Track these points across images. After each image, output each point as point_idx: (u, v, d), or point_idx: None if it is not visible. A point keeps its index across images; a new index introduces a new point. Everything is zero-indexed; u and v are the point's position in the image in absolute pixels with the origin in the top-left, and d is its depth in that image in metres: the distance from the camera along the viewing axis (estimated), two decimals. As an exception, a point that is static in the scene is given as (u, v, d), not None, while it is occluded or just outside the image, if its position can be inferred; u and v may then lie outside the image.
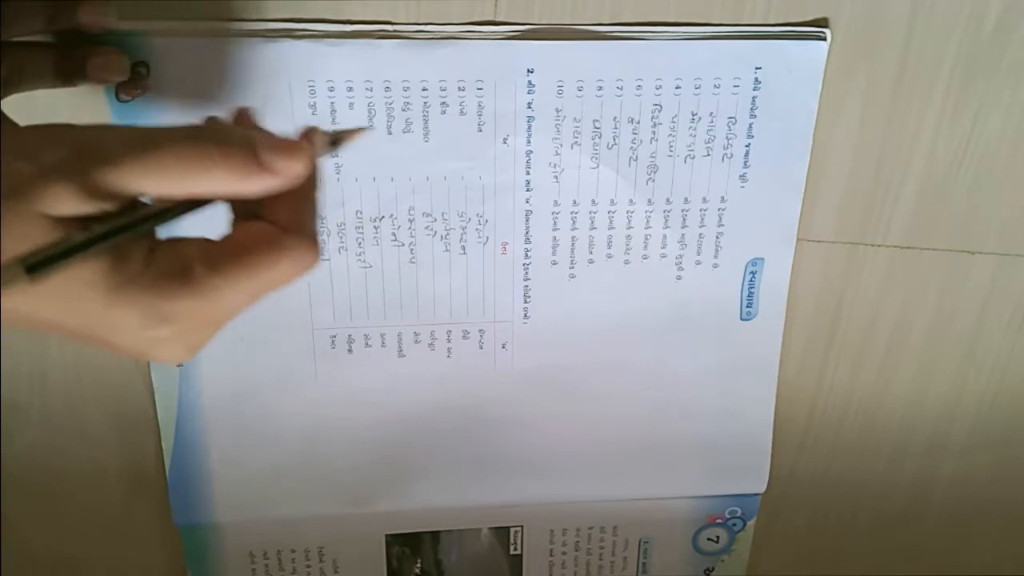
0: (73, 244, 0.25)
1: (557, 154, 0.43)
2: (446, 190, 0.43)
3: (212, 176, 0.26)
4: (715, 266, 0.46)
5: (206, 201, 0.27)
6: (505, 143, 0.42)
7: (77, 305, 0.26)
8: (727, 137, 0.43)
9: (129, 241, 0.26)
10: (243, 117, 0.31)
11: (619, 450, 0.50)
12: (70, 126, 0.26)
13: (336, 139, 0.31)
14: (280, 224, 0.28)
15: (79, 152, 0.25)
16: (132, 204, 0.26)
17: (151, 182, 0.26)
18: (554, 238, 0.45)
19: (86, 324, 0.26)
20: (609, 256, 0.45)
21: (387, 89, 0.41)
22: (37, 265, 0.24)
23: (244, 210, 0.29)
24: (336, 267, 0.44)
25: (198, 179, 0.26)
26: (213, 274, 0.26)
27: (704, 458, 0.51)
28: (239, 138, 0.27)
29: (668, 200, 0.44)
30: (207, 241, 0.28)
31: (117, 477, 0.49)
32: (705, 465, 0.51)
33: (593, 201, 0.44)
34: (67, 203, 0.25)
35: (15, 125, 0.27)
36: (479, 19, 0.41)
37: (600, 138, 0.43)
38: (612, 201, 0.44)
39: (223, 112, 0.31)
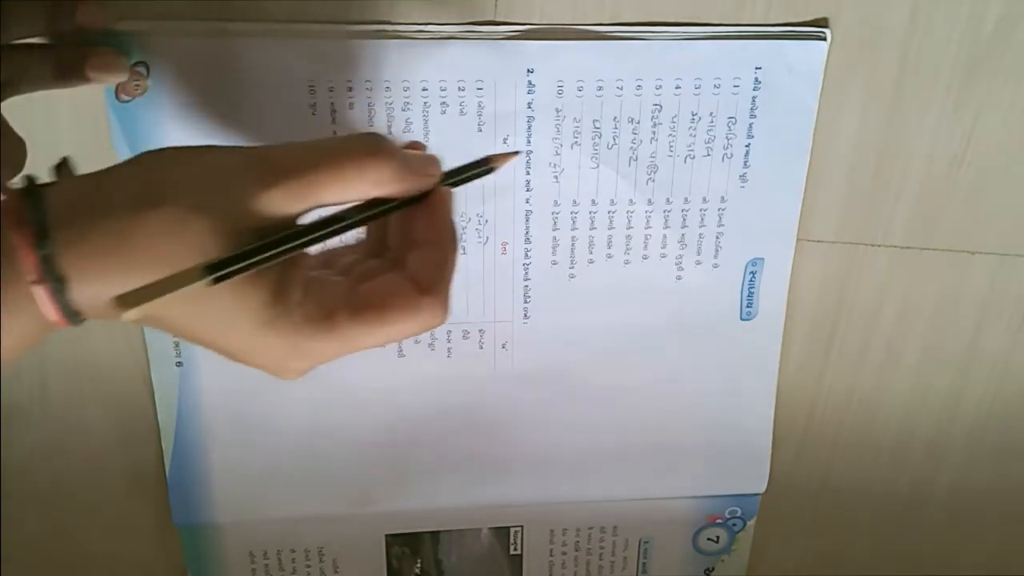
0: (251, 249, 0.27)
1: (557, 154, 0.43)
2: (446, 190, 0.43)
3: (373, 177, 0.29)
4: (715, 266, 0.46)
5: (363, 220, 0.30)
6: (505, 143, 0.42)
7: (229, 328, 0.28)
8: (727, 137, 0.43)
9: (289, 277, 0.29)
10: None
11: (619, 450, 0.50)
12: (243, 148, 0.29)
13: (490, 162, 0.33)
14: (419, 282, 0.30)
15: (261, 166, 0.28)
16: (294, 224, 0.29)
17: (324, 190, 0.28)
18: (554, 238, 0.45)
19: (231, 345, 0.29)
20: (609, 256, 0.45)
21: (387, 89, 0.41)
22: (218, 267, 0.26)
23: (389, 260, 0.32)
24: (336, 267, 0.44)
25: (361, 181, 0.29)
26: (353, 323, 0.29)
27: (704, 458, 0.51)
28: (394, 148, 0.30)
29: (668, 200, 0.44)
30: (352, 287, 0.31)
31: (117, 477, 0.49)
32: (705, 465, 0.51)
33: (593, 201, 0.44)
34: (249, 216, 0.27)
35: (193, 146, 0.29)
36: (479, 19, 0.41)
37: (600, 138, 0.43)
38: (612, 201, 0.44)
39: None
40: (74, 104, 0.40)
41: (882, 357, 0.49)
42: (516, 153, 0.38)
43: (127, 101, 0.40)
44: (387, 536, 0.51)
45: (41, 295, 0.26)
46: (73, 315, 0.27)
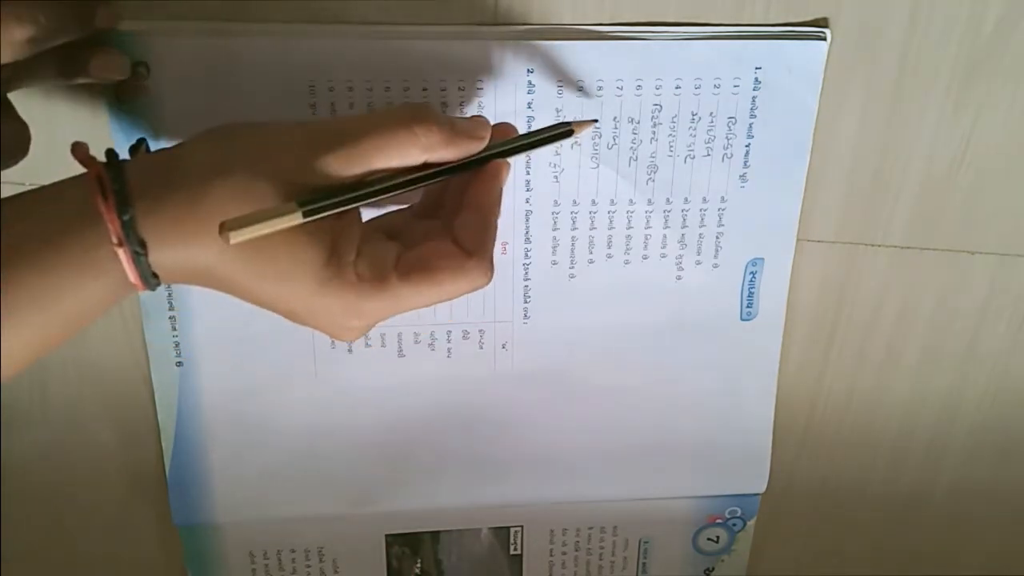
0: (338, 188, 0.30)
1: (557, 154, 0.43)
2: (446, 190, 0.43)
3: (423, 141, 0.31)
4: (715, 266, 0.46)
5: (435, 176, 0.33)
6: (505, 143, 0.42)
7: (290, 287, 0.31)
8: (727, 137, 0.43)
9: (342, 239, 0.31)
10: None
11: (619, 450, 0.50)
12: (301, 121, 0.32)
13: (570, 129, 0.36)
14: (465, 246, 0.33)
15: (316, 134, 0.31)
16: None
17: (376, 154, 0.31)
18: (554, 238, 0.45)
19: (292, 303, 0.31)
20: (609, 256, 0.45)
21: (387, 89, 0.41)
22: (310, 203, 0.29)
23: (437, 228, 0.34)
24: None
25: (411, 146, 0.31)
26: (404, 284, 0.32)
27: (704, 458, 0.51)
28: (441, 114, 0.32)
29: (668, 200, 0.44)
30: (402, 250, 0.33)
31: (117, 477, 0.49)
32: (705, 465, 0.51)
33: (593, 201, 0.44)
34: (306, 180, 0.30)
35: (254, 121, 0.32)
36: (479, 19, 0.41)
37: (600, 138, 0.43)
38: (612, 201, 0.44)
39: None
40: (74, 104, 0.40)
41: (882, 357, 0.49)
42: (595, 121, 0.41)
43: (127, 101, 0.40)
44: (387, 536, 0.51)
45: (124, 257, 0.29)
46: (150, 277, 0.30)
